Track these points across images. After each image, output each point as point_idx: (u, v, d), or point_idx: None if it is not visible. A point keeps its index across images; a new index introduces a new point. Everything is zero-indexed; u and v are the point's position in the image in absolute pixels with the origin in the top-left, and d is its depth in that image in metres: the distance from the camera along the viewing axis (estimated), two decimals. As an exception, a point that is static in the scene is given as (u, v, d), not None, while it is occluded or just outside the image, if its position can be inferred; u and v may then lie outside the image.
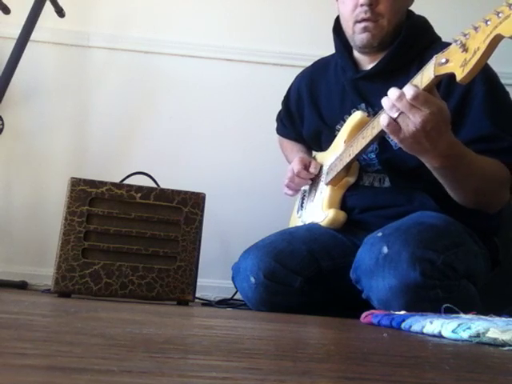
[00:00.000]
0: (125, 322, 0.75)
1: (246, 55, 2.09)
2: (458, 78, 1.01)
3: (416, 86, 1.11)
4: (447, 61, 1.06)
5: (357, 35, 1.44)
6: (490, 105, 1.33)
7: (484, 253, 1.37)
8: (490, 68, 1.38)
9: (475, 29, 0.99)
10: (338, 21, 1.55)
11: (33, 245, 1.98)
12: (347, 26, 1.47)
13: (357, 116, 1.46)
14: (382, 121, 1.15)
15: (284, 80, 1.84)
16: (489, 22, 0.96)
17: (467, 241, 1.32)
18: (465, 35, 1.01)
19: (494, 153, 1.30)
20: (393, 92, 1.12)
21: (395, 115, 1.11)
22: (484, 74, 1.30)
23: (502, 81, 1.41)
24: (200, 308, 1.48)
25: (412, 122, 1.09)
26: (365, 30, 1.42)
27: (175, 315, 1.02)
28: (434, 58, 1.09)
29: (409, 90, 1.09)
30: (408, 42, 1.43)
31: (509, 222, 1.53)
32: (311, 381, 0.36)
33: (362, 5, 1.39)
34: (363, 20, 1.41)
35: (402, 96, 1.10)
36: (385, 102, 1.13)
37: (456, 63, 1.03)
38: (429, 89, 1.11)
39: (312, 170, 1.56)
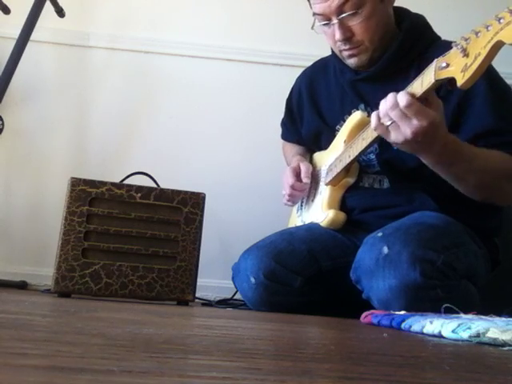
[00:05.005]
0: (125, 322, 0.75)
1: (246, 55, 2.09)
2: (459, 83, 1.01)
3: (412, 93, 1.12)
4: (448, 65, 1.06)
5: (346, 60, 1.46)
6: (493, 99, 1.33)
7: (484, 253, 1.37)
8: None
9: (476, 34, 0.98)
10: None
11: (33, 245, 1.98)
12: (335, 51, 1.48)
13: (356, 116, 1.46)
14: (372, 123, 1.19)
15: (284, 80, 1.84)
16: (490, 28, 0.95)
17: (467, 241, 1.32)
18: (466, 40, 1.01)
19: (501, 146, 1.29)
20: (389, 99, 1.14)
21: (388, 123, 1.15)
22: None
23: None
24: (200, 308, 1.48)
25: (402, 132, 1.13)
26: (350, 56, 1.43)
27: (175, 315, 1.02)
28: (435, 61, 1.09)
29: (402, 98, 1.12)
30: (407, 44, 1.42)
31: (509, 222, 1.53)
32: (311, 381, 0.36)
33: (338, 41, 1.40)
34: (345, 50, 1.42)
35: (395, 105, 1.12)
36: (382, 106, 1.16)
37: (457, 68, 1.02)
38: (428, 92, 1.11)
39: (305, 179, 1.54)
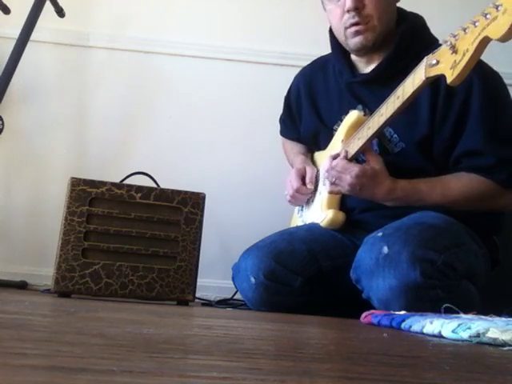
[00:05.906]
0: (125, 322, 0.75)
1: (246, 55, 2.09)
2: (448, 80, 1.01)
3: (345, 152, 1.36)
4: (438, 62, 1.06)
5: (350, 40, 1.43)
6: (485, 119, 1.33)
7: (484, 253, 1.37)
8: (491, 72, 1.36)
9: (464, 30, 0.99)
10: None
11: (33, 245, 1.98)
12: (339, 34, 1.47)
13: (353, 115, 1.46)
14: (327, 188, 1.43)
15: (285, 80, 1.84)
16: (477, 24, 0.96)
17: (467, 241, 1.32)
18: (454, 36, 1.01)
19: (477, 170, 1.33)
20: (326, 162, 1.39)
21: (333, 180, 1.37)
22: (482, 83, 1.30)
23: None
24: (200, 308, 1.48)
25: (343, 185, 1.35)
26: (356, 33, 1.41)
27: (175, 315, 1.02)
28: (425, 59, 1.10)
29: (333, 160, 1.36)
30: (404, 47, 1.42)
31: (509, 222, 1.53)
32: (311, 381, 0.36)
33: (348, 10, 1.38)
34: (353, 25, 1.40)
35: (330, 166, 1.37)
36: (321, 170, 1.42)
37: (446, 65, 1.03)
38: (365, 149, 1.33)
39: (309, 185, 1.55)
